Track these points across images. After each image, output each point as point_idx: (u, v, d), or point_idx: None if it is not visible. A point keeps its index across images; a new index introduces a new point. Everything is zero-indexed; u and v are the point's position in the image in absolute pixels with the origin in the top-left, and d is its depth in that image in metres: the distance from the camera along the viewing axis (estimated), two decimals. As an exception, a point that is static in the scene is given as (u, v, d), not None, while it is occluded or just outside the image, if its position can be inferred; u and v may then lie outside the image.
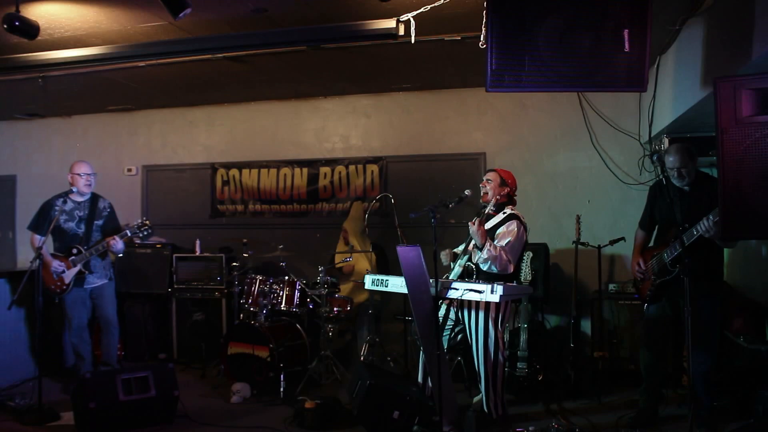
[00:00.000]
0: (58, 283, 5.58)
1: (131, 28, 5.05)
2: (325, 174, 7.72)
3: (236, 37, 5.15)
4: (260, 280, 6.15)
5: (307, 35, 4.97)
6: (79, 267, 5.61)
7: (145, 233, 5.76)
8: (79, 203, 5.77)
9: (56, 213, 5.58)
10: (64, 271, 5.59)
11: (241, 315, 6.41)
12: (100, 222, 5.85)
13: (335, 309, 6.14)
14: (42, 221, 5.67)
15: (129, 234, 5.71)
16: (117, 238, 5.62)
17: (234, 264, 6.72)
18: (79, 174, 5.71)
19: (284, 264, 6.22)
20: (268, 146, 7.94)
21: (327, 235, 7.34)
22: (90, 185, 5.79)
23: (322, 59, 6.01)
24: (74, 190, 5.69)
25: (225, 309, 6.97)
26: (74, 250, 5.63)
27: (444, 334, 4.75)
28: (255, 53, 5.71)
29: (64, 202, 5.63)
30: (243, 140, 8.05)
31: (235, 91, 7.45)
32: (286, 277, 6.12)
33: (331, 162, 7.71)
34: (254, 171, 7.98)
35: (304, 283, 6.14)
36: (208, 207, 8.12)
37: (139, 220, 5.75)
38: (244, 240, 6.68)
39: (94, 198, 5.87)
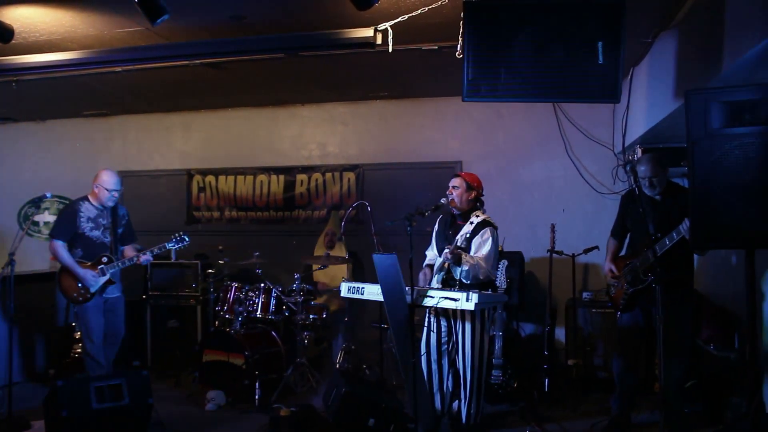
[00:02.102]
0: (82, 291, 5.26)
1: (108, 33, 5.01)
2: (302, 181, 7.72)
3: (214, 43, 5.13)
4: (236, 287, 6.11)
5: (285, 43, 4.97)
6: (108, 275, 5.31)
7: (182, 246, 5.56)
8: (101, 210, 5.42)
9: (82, 221, 5.32)
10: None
11: (217, 322, 6.37)
12: (120, 230, 5.55)
13: (311, 316, 6.14)
14: (67, 228, 5.32)
15: (167, 247, 5.48)
16: (148, 252, 5.39)
17: (210, 271, 6.68)
18: (107, 189, 5.34)
19: (260, 271, 6.19)
20: (245, 153, 7.93)
21: (303, 242, 7.31)
22: (114, 202, 5.43)
23: (300, 67, 6.02)
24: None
25: (200, 316, 6.91)
26: (104, 258, 5.32)
27: (442, 347, 4.76)
28: (232, 60, 5.69)
29: (87, 208, 5.37)
30: (219, 147, 8.02)
31: (212, 97, 7.42)
32: (262, 285, 6.09)
33: (308, 169, 7.70)
34: (230, 177, 7.95)
35: (280, 291, 6.13)
36: (183, 213, 8.07)
37: (178, 235, 5.54)
38: (220, 247, 6.66)
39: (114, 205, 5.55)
